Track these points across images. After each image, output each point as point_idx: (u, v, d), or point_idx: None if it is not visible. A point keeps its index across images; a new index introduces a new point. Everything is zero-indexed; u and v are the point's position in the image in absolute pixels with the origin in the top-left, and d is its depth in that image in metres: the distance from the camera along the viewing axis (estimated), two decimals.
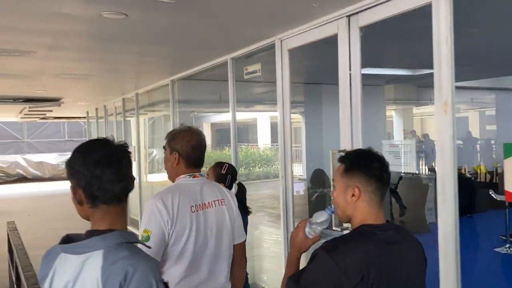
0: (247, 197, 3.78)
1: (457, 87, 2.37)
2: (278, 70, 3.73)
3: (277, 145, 3.82)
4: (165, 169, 2.09)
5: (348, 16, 2.97)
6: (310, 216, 1.61)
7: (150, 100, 7.62)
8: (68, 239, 1.12)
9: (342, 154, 1.59)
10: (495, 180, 8.13)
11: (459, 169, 5.43)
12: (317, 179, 5.50)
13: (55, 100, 8.18)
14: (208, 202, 1.96)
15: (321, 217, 1.56)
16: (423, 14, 2.46)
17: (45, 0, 2.62)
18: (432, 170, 8.32)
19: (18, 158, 18.58)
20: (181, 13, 2.94)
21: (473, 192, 7.03)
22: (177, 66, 5.19)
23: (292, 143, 3.82)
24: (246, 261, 2.41)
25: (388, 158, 1.65)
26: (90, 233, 1.10)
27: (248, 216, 3.59)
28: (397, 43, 4.34)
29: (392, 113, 11.56)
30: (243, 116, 16.40)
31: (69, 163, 1.14)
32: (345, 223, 1.63)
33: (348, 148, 2.96)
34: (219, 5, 2.85)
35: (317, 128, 6.90)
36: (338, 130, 3.10)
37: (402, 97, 8.70)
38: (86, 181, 1.12)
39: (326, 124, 6.59)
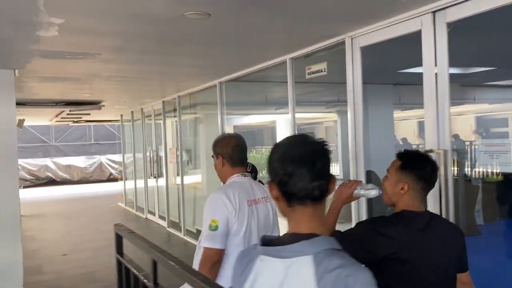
0: None
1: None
2: (349, 69, 3.66)
3: None
4: (218, 175, 2.34)
5: (434, 12, 2.88)
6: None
7: (192, 102, 7.63)
8: (268, 242, 1.07)
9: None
10: None
11: None
12: (371, 180, 5.41)
13: (96, 103, 8.26)
14: (258, 198, 2.21)
15: (372, 190, 1.83)
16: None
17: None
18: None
19: (47, 162, 18.88)
20: (254, 9, 2.87)
21: None
22: (232, 67, 5.16)
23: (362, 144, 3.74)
24: None
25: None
26: (294, 237, 1.05)
27: None
28: (462, 39, 4.23)
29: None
30: (260, 119, 16.31)
31: (268, 158, 1.10)
32: (389, 206, 1.87)
33: (435, 148, 2.88)
34: (294, 3, 2.79)
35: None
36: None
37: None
38: (280, 178, 1.07)
39: (373, 124, 6.48)
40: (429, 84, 2.96)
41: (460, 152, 9.10)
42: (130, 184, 11.54)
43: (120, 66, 4.79)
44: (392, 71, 6.16)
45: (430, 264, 1.64)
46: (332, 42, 3.82)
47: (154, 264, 1.51)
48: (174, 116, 8.48)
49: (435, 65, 2.91)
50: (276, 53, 4.44)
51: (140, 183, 10.36)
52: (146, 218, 9.60)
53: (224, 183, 2.26)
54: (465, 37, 3.68)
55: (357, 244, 1.61)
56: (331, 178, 1.09)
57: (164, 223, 8.51)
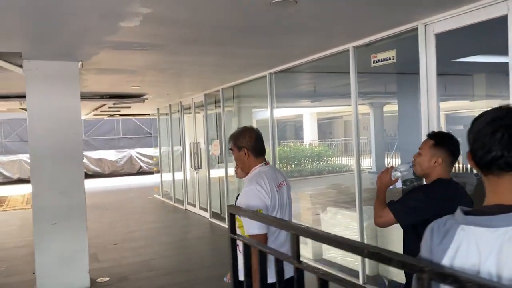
0: None
1: None
2: (422, 57, 3.63)
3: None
4: (236, 165, 2.54)
5: None
6: None
7: (235, 94, 7.68)
8: (468, 212, 1.09)
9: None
10: None
11: None
12: None
13: (139, 97, 8.38)
14: (280, 183, 2.46)
15: (403, 167, 2.34)
16: None
17: None
18: None
19: None
20: None
21: None
22: (288, 57, 5.15)
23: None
24: None
25: None
26: (500, 207, 1.06)
27: None
28: None
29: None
30: (286, 113, 16.21)
31: (470, 128, 1.12)
32: (421, 177, 2.43)
33: None
34: None
35: (412, 119, 6.71)
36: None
37: (491, 88, 8.34)
38: (479, 146, 1.09)
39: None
40: None
41: None
42: (165, 176, 11.72)
43: (181, 58, 4.85)
44: (443, 60, 6.07)
45: None
46: (402, 30, 3.79)
47: (296, 238, 1.53)
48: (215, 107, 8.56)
49: None
50: (339, 42, 4.42)
51: (178, 176, 10.50)
52: (186, 209, 9.73)
53: (247, 173, 2.48)
54: None
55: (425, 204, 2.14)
56: None
57: (206, 214, 8.62)
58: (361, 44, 4.31)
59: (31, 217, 4.62)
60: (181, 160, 10.20)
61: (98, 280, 4.99)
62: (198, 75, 6.32)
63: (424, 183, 2.38)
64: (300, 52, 4.85)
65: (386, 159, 13.34)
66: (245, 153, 2.44)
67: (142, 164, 19.82)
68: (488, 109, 1.15)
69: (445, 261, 1.09)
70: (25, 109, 10.57)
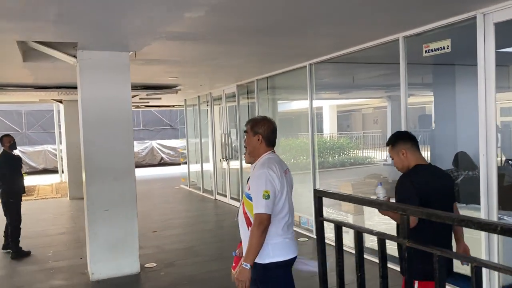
0: None
1: None
2: (480, 47, 3.62)
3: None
4: (245, 147, 2.71)
5: None
6: None
7: (269, 85, 7.73)
8: None
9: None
10: None
11: None
12: (464, 161, 5.35)
13: (172, 87, 8.49)
14: (285, 170, 2.66)
15: (379, 190, 2.70)
16: None
17: None
18: None
19: None
20: None
21: None
22: (331, 47, 5.18)
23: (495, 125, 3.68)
24: None
25: None
26: None
27: None
28: None
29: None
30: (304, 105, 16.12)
31: None
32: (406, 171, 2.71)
33: None
34: None
35: (449, 111, 6.68)
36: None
37: None
38: None
39: (461, 107, 6.37)
40: None
41: None
42: (191, 167, 11.86)
43: (227, 48, 4.90)
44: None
45: (437, 193, 2.56)
46: (458, 19, 3.78)
47: (407, 220, 1.60)
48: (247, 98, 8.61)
49: None
50: (387, 31, 4.42)
51: (206, 166, 10.62)
52: (215, 199, 9.86)
53: (254, 157, 2.66)
54: None
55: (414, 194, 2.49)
56: None
57: (237, 204, 8.72)
58: (412, 34, 4.32)
59: (64, 206, 4.76)
60: (210, 151, 10.31)
61: (146, 265, 5.13)
62: (236, 66, 6.37)
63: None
64: (345, 42, 4.87)
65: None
66: (258, 139, 2.62)
67: (163, 155, 20.05)
68: None
69: None
70: (57, 100, 10.79)
